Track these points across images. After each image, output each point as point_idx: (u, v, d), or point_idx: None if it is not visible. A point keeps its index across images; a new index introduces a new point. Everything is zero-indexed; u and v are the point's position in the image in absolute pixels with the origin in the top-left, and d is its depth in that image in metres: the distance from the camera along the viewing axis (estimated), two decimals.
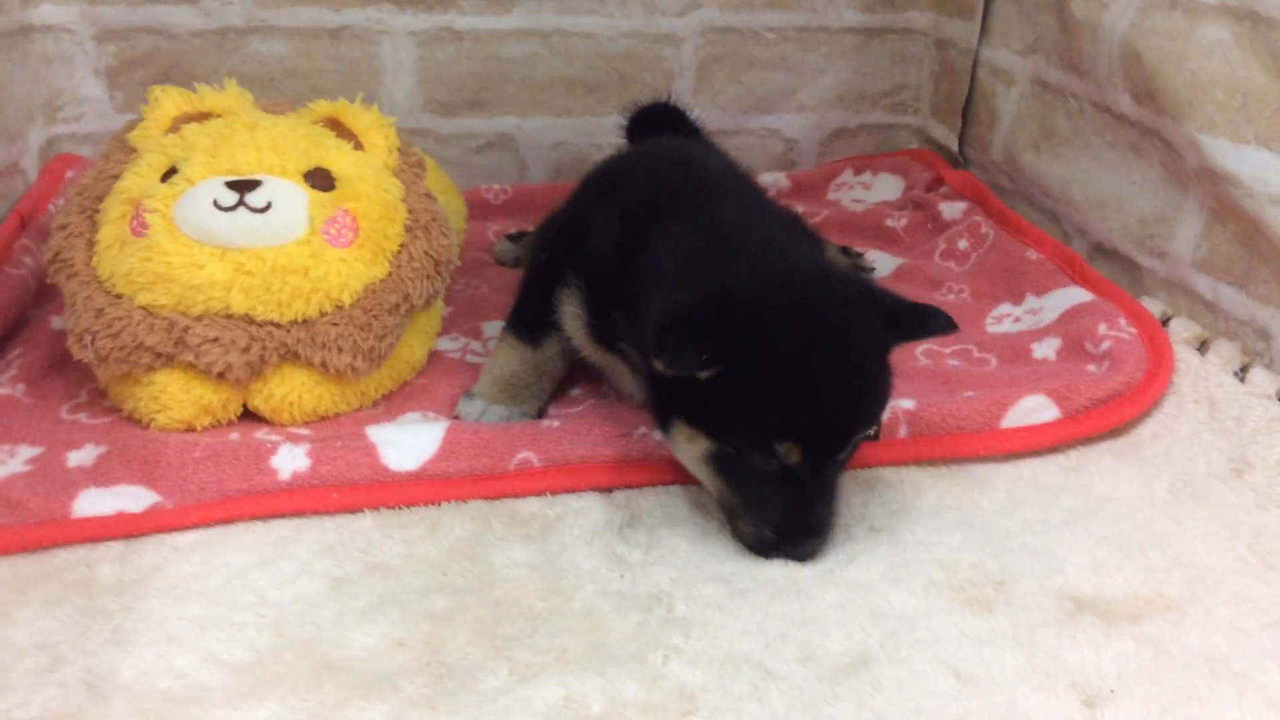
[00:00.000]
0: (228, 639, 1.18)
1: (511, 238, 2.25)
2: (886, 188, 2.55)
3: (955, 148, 2.47)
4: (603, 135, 2.34)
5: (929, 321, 1.38)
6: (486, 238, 2.31)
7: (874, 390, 1.32)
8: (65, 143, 2.32)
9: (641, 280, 1.42)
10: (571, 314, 1.57)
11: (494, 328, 1.91)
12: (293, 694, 1.10)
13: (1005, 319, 1.93)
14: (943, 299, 2.05)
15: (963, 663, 1.17)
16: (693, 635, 1.21)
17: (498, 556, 1.33)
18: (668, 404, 1.35)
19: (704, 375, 1.24)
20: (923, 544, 1.38)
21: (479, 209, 2.41)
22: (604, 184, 1.77)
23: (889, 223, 2.35)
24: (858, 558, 1.35)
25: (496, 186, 2.47)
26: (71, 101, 2.31)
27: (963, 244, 2.15)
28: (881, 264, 2.21)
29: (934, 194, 2.37)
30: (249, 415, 1.57)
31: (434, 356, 1.79)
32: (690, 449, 1.34)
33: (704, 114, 2.50)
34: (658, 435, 1.43)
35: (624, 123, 2.15)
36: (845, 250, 2.21)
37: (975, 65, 2.36)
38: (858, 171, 2.62)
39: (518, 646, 1.18)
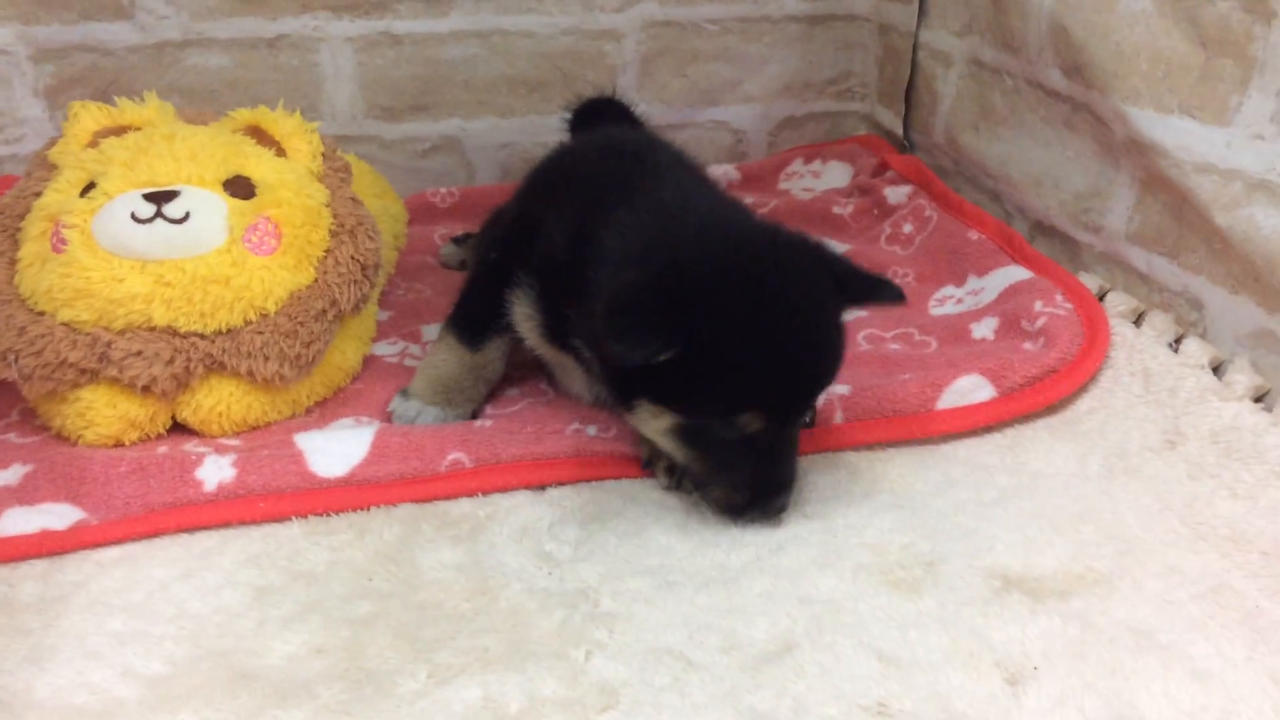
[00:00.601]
0: (146, 652, 1.17)
1: (457, 240, 2.24)
2: (835, 175, 2.54)
3: (900, 132, 2.46)
4: (548, 134, 2.32)
5: (879, 289, 1.40)
6: (432, 241, 2.30)
7: (831, 352, 1.33)
8: (7, 164, 2.31)
9: (590, 272, 1.40)
10: (524, 314, 1.55)
11: (434, 331, 1.89)
12: (208, 705, 1.10)
13: (948, 301, 1.92)
14: None
15: (887, 645, 1.17)
16: (617, 630, 1.20)
17: (425, 559, 1.33)
18: (629, 384, 1.34)
19: (661, 358, 1.23)
20: (854, 528, 1.38)
21: (425, 213, 2.40)
22: (551, 180, 1.75)
23: (836, 210, 2.34)
24: (788, 545, 1.34)
25: (443, 190, 2.45)
26: (11, 123, 2.30)
27: (907, 228, 2.15)
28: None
29: (879, 179, 2.36)
30: (181, 428, 1.56)
31: (371, 361, 1.78)
32: (655, 424, 1.35)
33: (650, 109, 2.51)
34: (622, 414, 1.42)
35: (568, 118, 2.15)
36: None
37: (915, 48, 2.35)
38: (807, 160, 2.61)
39: (439, 649, 1.17)
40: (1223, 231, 1.51)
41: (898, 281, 2.00)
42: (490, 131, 2.50)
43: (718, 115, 2.63)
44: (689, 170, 1.69)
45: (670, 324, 1.22)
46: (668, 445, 1.37)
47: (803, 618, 1.21)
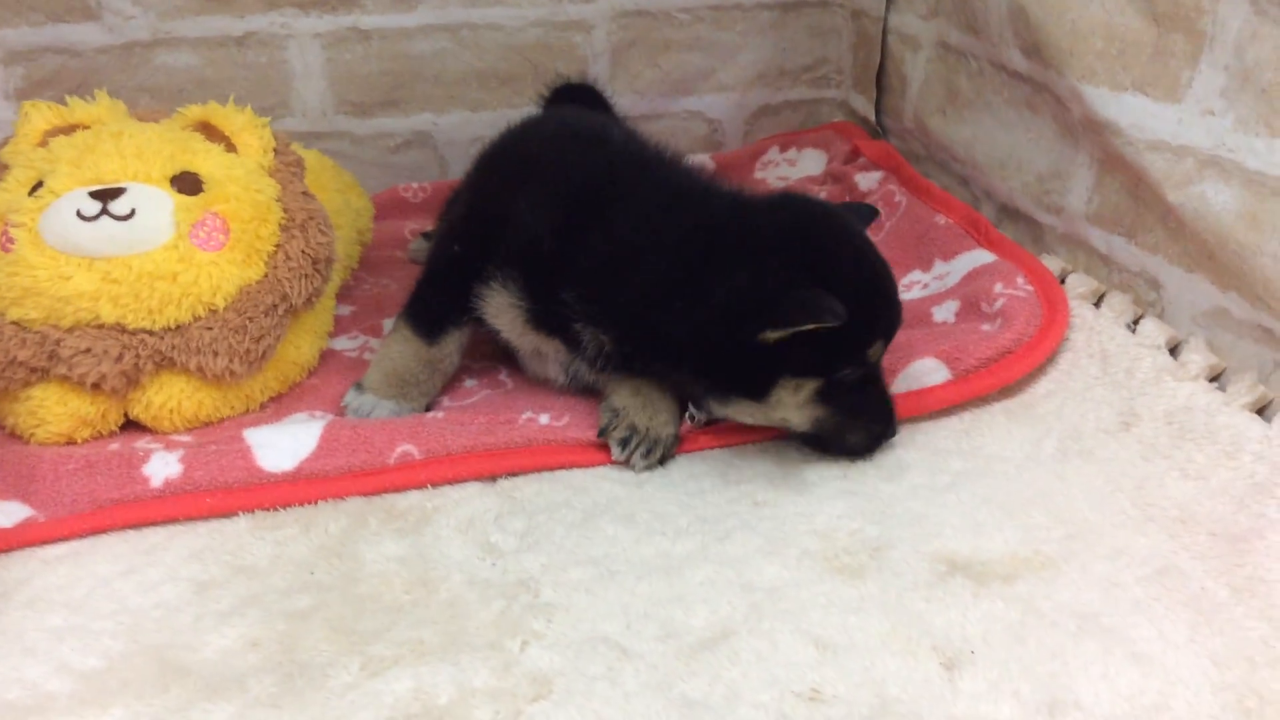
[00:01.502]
0: (83, 647, 1.17)
1: (427, 235, 2.23)
2: (810, 163, 2.52)
3: (873, 118, 2.44)
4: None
5: (866, 215, 1.62)
6: (403, 236, 2.30)
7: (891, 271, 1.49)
8: None
9: (624, 258, 1.46)
10: (506, 304, 1.54)
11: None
12: (138, 699, 1.09)
13: (914, 286, 1.91)
14: None
15: (825, 631, 1.16)
16: (555, 620, 1.20)
17: (368, 552, 1.32)
18: (764, 370, 1.40)
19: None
20: (803, 515, 1.37)
21: (397, 208, 2.40)
22: (511, 169, 1.74)
23: None
24: (735, 533, 1.33)
25: (415, 185, 2.45)
26: None
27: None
28: None
29: (851, 166, 2.34)
30: (134, 426, 1.56)
31: (329, 355, 1.77)
32: (795, 398, 1.41)
33: (623, 100, 2.50)
34: (714, 411, 1.50)
35: (541, 104, 2.16)
36: None
37: (885, 32, 2.33)
38: (783, 149, 2.59)
39: (374, 641, 1.17)
40: (1175, 209, 1.49)
41: None
42: (462, 125, 2.49)
43: (692, 105, 2.62)
44: (652, 149, 1.70)
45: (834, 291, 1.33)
46: (806, 415, 1.43)
47: (742, 605, 1.21)
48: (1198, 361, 1.45)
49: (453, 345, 1.63)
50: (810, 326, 1.31)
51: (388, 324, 1.90)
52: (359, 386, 1.61)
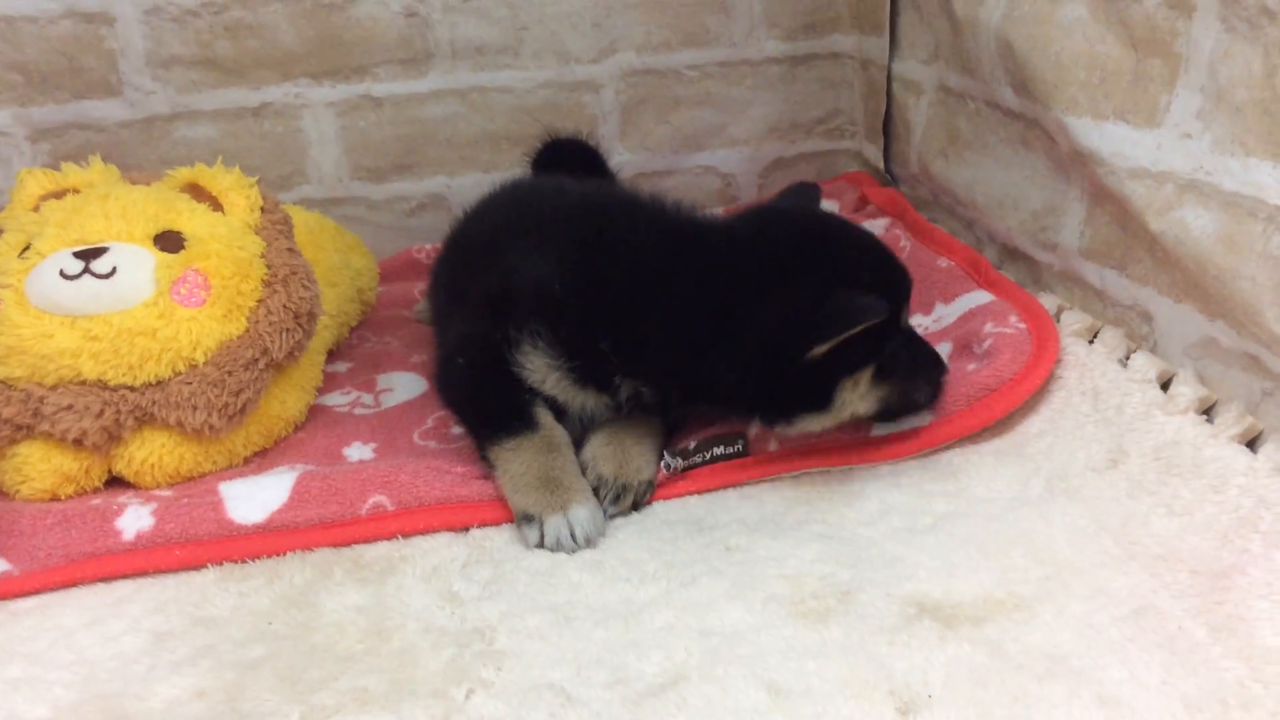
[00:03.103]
0: (35, 697, 1.18)
1: None
2: None
3: (882, 166, 2.42)
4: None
5: (813, 196, 1.71)
6: (414, 296, 2.31)
7: None
8: None
9: (641, 308, 1.46)
10: (544, 365, 1.50)
11: (389, 379, 1.91)
12: None
13: (916, 330, 1.86)
14: None
15: (781, 676, 1.12)
16: (505, 667, 1.17)
17: (328, 602, 1.31)
18: (822, 380, 1.41)
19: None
20: (775, 559, 1.33)
21: (410, 269, 2.43)
22: (507, 237, 1.69)
23: None
24: (701, 578, 1.30)
25: (429, 247, 2.48)
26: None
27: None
28: None
29: (859, 213, 2.32)
30: (118, 481, 1.58)
31: (319, 410, 1.78)
32: (857, 392, 1.43)
33: (634, 157, 2.53)
34: (783, 432, 1.50)
35: (530, 160, 2.20)
36: None
37: (889, 80, 2.32)
38: None
39: (319, 690, 1.15)
40: (1158, 238, 1.44)
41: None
42: (475, 187, 2.50)
43: (704, 160, 2.62)
44: (621, 191, 1.79)
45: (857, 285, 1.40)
46: (870, 401, 1.45)
47: (698, 650, 1.17)
48: (1187, 394, 1.38)
49: (545, 417, 1.51)
50: (857, 330, 1.35)
51: (382, 379, 1.91)
52: (529, 520, 1.40)
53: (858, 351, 1.39)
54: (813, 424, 1.45)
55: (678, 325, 1.44)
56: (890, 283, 1.47)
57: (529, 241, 1.59)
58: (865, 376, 1.43)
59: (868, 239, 1.54)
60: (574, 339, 1.49)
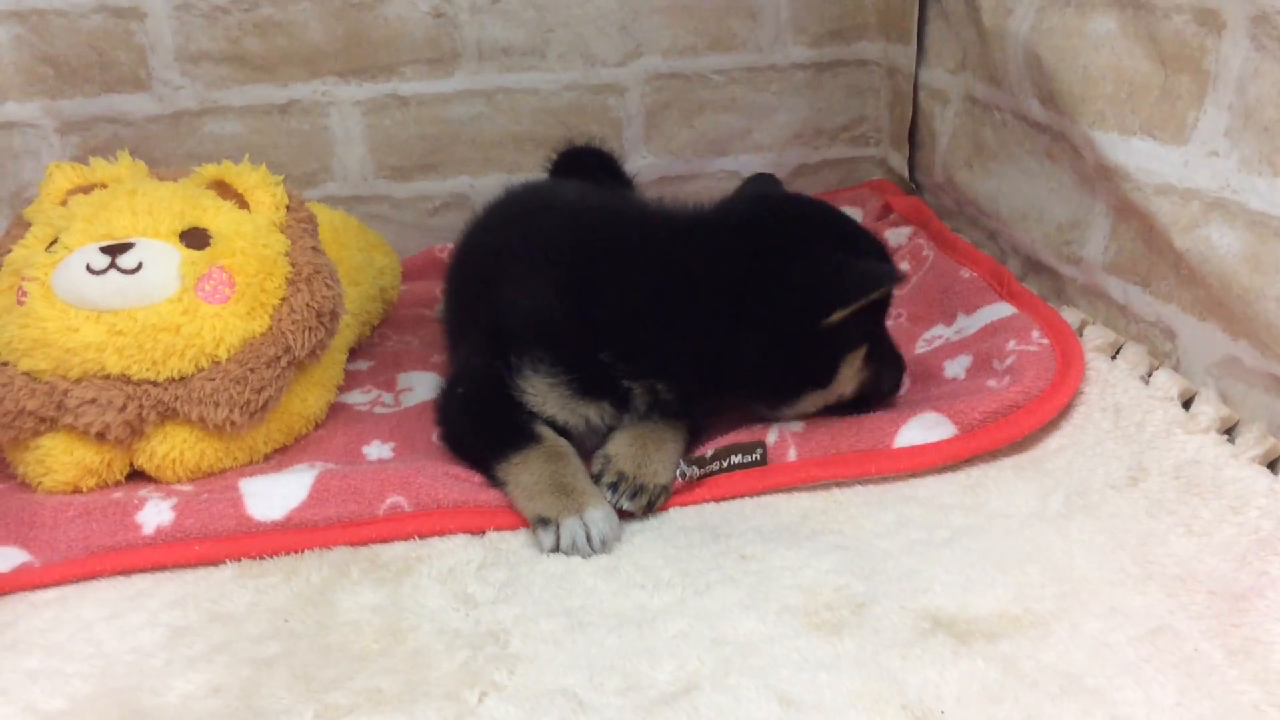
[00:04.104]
0: (53, 689, 1.18)
1: None
2: None
3: (907, 174, 2.41)
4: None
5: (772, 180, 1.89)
6: (435, 295, 2.32)
7: None
8: None
9: (648, 306, 1.49)
10: (545, 386, 1.52)
11: (409, 379, 1.92)
12: None
13: (936, 341, 1.86)
14: None
15: (793, 688, 1.11)
16: (518, 671, 1.17)
17: (345, 600, 1.32)
18: (829, 354, 1.50)
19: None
20: (790, 569, 1.33)
21: (433, 268, 2.43)
22: (505, 263, 1.70)
23: None
24: (715, 586, 1.30)
25: (450, 246, 2.48)
26: None
27: (903, 266, 2.10)
28: None
29: (882, 222, 2.31)
30: (140, 475, 1.59)
31: (339, 409, 1.79)
32: (851, 369, 1.52)
33: (658, 161, 2.53)
34: (785, 416, 1.57)
35: (548, 166, 2.21)
36: None
37: (916, 88, 2.31)
38: None
39: (333, 689, 1.16)
40: (1183, 255, 1.43)
41: (890, 324, 1.98)
42: (498, 188, 2.50)
43: (728, 165, 2.62)
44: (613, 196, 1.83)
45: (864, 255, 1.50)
46: (857, 381, 1.55)
47: (711, 659, 1.17)
48: (1209, 414, 1.38)
49: (547, 431, 1.52)
50: (876, 295, 1.44)
51: (402, 379, 1.92)
52: (545, 524, 1.40)
53: (859, 328, 1.48)
54: (811, 404, 1.55)
55: (688, 314, 1.47)
56: (885, 258, 1.55)
57: (524, 269, 1.61)
58: (859, 356, 1.51)
59: (853, 220, 1.65)
60: (573, 356, 1.51)
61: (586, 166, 2.12)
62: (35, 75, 2.31)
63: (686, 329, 1.48)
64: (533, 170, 2.50)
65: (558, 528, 1.39)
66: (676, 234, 1.55)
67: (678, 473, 1.49)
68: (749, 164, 2.62)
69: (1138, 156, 1.50)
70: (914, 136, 2.37)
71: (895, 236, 2.21)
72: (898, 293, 2.08)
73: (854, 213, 2.49)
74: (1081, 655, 1.13)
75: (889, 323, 1.95)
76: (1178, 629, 1.14)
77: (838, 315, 1.42)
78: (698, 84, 2.53)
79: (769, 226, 1.52)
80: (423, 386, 1.89)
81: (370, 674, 1.18)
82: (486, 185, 2.52)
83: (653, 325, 1.48)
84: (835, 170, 2.66)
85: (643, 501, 1.44)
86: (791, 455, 1.52)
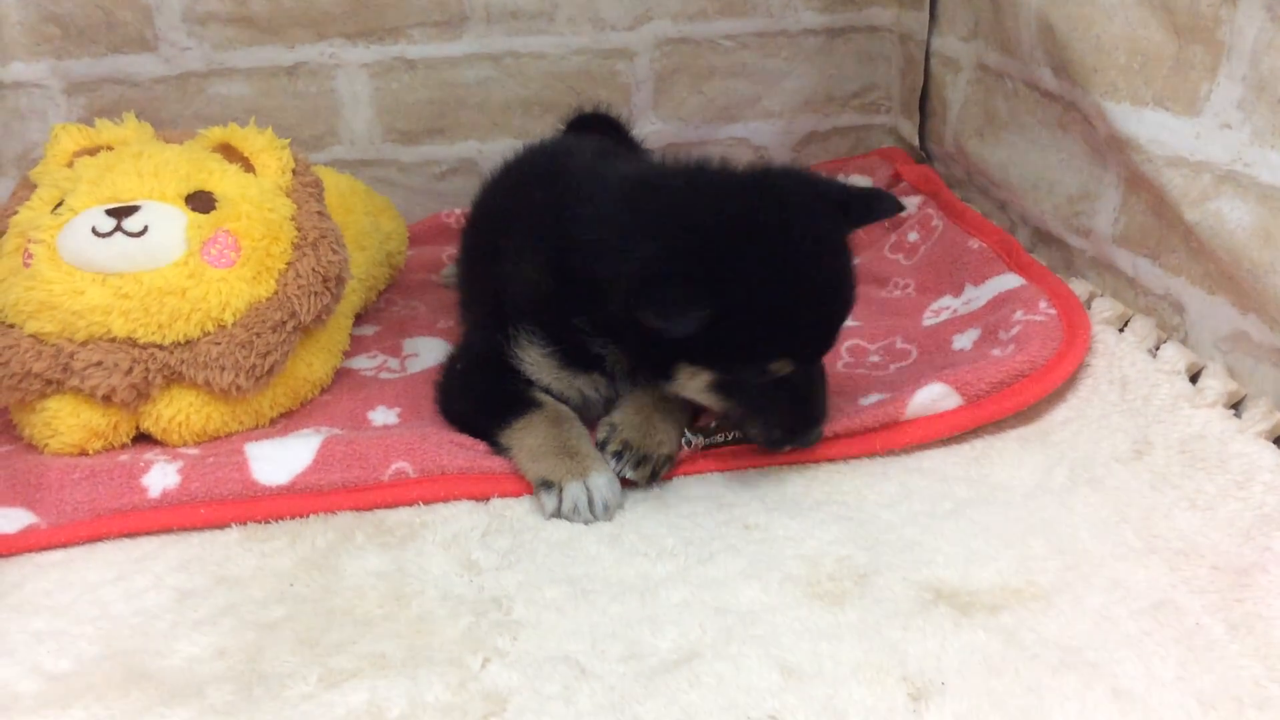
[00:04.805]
0: (58, 650, 1.20)
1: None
2: None
3: (917, 142, 2.40)
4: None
5: (876, 205, 1.46)
6: (441, 261, 2.32)
7: (847, 285, 1.38)
8: None
9: (589, 271, 1.40)
10: (539, 356, 1.52)
11: (414, 344, 1.92)
12: (99, 701, 1.11)
13: (944, 312, 1.85)
14: (888, 295, 1.99)
15: (794, 657, 1.12)
16: (521, 637, 1.18)
17: (349, 565, 1.32)
18: (665, 354, 1.38)
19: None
20: (793, 540, 1.33)
21: (439, 233, 2.43)
22: (504, 236, 1.68)
23: None
24: (718, 556, 1.30)
25: (458, 211, 2.48)
26: None
27: (912, 236, 2.09)
28: None
29: (891, 190, 2.30)
30: (146, 438, 1.60)
31: (345, 374, 1.79)
32: (694, 384, 1.40)
33: (667, 127, 2.51)
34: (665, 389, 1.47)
35: (561, 131, 2.19)
36: None
37: (927, 56, 2.29)
38: (830, 175, 2.55)
39: (337, 653, 1.17)
40: (1193, 228, 1.42)
41: (898, 294, 1.97)
42: (506, 153, 2.49)
43: (737, 132, 2.60)
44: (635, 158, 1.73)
45: (702, 289, 1.26)
46: (707, 400, 1.43)
47: (713, 628, 1.17)
48: (1215, 388, 1.37)
49: (547, 397, 1.53)
50: (657, 323, 1.26)
51: (408, 344, 1.92)
52: (548, 485, 1.41)
53: (703, 349, 1.34)
54: (680, 388, 1.43)
55: (606, 278, 1.38)
56: (779, 327, 1.33)
57: (518, 241, 1.59)
58: (702, 378, 1.38)
59: (809, 277, 1.33)
60: (556, 325, 1.50)
61: (595, 132, 2.10)
62: (42, 35, 2.30)
63: (607, 292, 1.39)
64: (542, 135, 2.48)
65: (560, 491, 1.39)
66: (613, 196, 1.46)
67: (684, 442, 1.49)
68: (758, 131, 2.60)
69: (1150, 127, 1.49)
70: (925, 105, 2.35)
71: (905, 205, 2.19)
72: (905, 263, 2.07)
73: (864, 182, 2.48)
74: (1083, 628, 1.13)
75: (898, 294, 1.95)
76: (1180, 603, 1.15)
77: (650, 321, 1.29)
78: (707, 49, 2.50)
79: (662, 205, 1.39)
80: (429, 352, 1.89)
81: (374, 639, 1.19)
82: (495, 150, 2.50)
83: (596, 288, 1.40)
84: (845, 138, 2.64)
85: (646, 471, 1.44)
86: None
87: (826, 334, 1.39)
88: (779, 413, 1.41)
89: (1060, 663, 1.08)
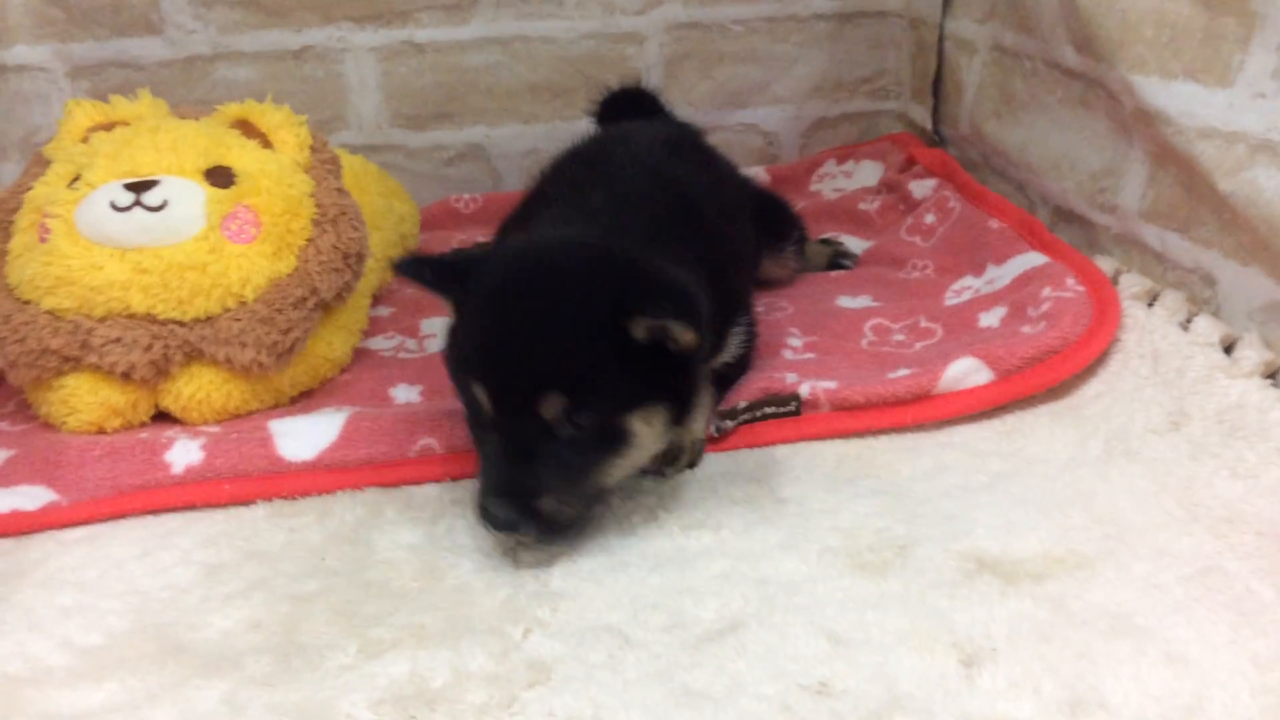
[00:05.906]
0: (87, 625, 1.17)
1: (482, 247, 2.22)
2: (867, 175, 2.47)
3: (930, 126, 2.39)
4: (573, 139, 2.31)
5: (662, 304, 1.22)
6: (451, 246, 2.29)
7: (536, 352, 1.22)
8: None
9: None
10: None
11: (432, 324, 1.90)
12: (133, 674, 1.09)
13: (966, 291, 1.84)
14: (906, 276, 1.98)
15: (840, 626, 1.11)
16: (561, 608, 1.16)
17: (381, 540, 1.31)
18: None
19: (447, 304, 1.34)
20: (828, 512, 1.32)
21: (449, 218, 2.41)
22: None
23: (862, 206, 2.29)
24: (754, 528, 1.29)
25: (467, 196, 2.46)
26: (50, 137, 2.35)
27: (929, 218, 2.08)
28: (853, 249, 2.15)
29: (905, 175, 2.29)
30: (165, 417, 1.57)
31: (363, 354, 1.77)
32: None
33: (676, 112, 2.48)
34: None
35: (596, 109, 2.16)
36: (826, 240, 2.16)
37: (941, 39, 2.29)
38: (840, 161, 2.55)
39: (375, 625, 1.15)
40: (1227, 199, 1.41)
41: (916, 275, 1.96)
42: (514, 138, 2.50)
43: (746, 118, 2.59)
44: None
45: (444, 273, 1.34)
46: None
47: (755, 598, 1.16)
48: (1252, 358, 1.37)
49: None
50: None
51: (425, 325, 1.90)
52: None
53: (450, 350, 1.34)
54: None
55: None
56: (462, 344, 1.31)
57: None
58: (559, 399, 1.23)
59: (500, 300, 1.27)
60: None
61: (631, 108, 2.08)
62: (45, 18, 2.27)
63: None
64: (550, 121, 2.48)
65: None
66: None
67: (712, 428, 1.47)
68: (767, 117, 2.59)
69: (1180, 100, 1.48)
70: (938, 89, 2.34)
71: (920, 189, 2.19)
72: (923, 244, 2.06)
73: (875, 167, 2.48)
74: (1130, 595, 1.12)
75: (916, 275, 1.94)
76: (1227, 569, 1.14)
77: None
78: (717, 34, 2.49)
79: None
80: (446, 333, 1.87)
81: (412, 610, 1.17)
82: (502, 135, 2.50)
83: None
84: (855, 124, 2.64)
85: (683, 463, 1.41)
86: (824, 407, 1.50)
87: (510, 381, 1.23)
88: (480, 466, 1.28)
89: (1110, 629, 1.07)
